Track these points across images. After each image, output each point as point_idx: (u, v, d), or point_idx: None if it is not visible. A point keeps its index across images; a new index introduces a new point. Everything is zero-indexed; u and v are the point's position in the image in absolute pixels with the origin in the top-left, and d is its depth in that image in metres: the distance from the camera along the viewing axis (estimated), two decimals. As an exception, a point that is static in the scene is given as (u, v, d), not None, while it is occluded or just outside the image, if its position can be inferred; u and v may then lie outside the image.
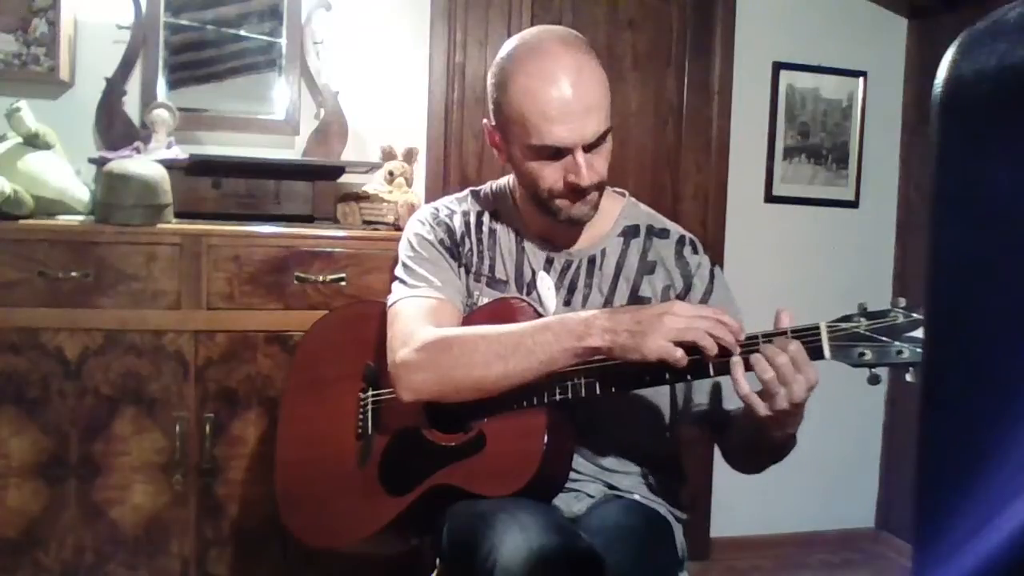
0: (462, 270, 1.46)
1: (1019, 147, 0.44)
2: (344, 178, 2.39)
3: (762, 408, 1.15)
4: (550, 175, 1.33)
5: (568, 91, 1.27)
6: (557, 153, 1.30)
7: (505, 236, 1.47)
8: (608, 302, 1.41)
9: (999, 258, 0.46)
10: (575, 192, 1.33)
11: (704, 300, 1.41)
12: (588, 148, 1.30)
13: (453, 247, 1.46)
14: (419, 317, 1.37)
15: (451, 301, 1.41)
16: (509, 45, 1.36)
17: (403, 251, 1.47)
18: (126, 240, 1.93)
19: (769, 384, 1.13)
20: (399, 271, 1.45)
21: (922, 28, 3.05)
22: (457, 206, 1.51)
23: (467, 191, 1.54)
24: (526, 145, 1.32)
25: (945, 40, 0.49)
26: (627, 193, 1.52)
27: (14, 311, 1.88)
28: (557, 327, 1.25)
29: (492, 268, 1.46)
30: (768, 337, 1.16)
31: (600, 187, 1.36)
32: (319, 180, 2.29)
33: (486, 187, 1.54)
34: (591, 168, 1.31)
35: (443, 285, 1.41)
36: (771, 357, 1.13)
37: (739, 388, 1.16)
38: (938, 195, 0.49)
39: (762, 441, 1.25)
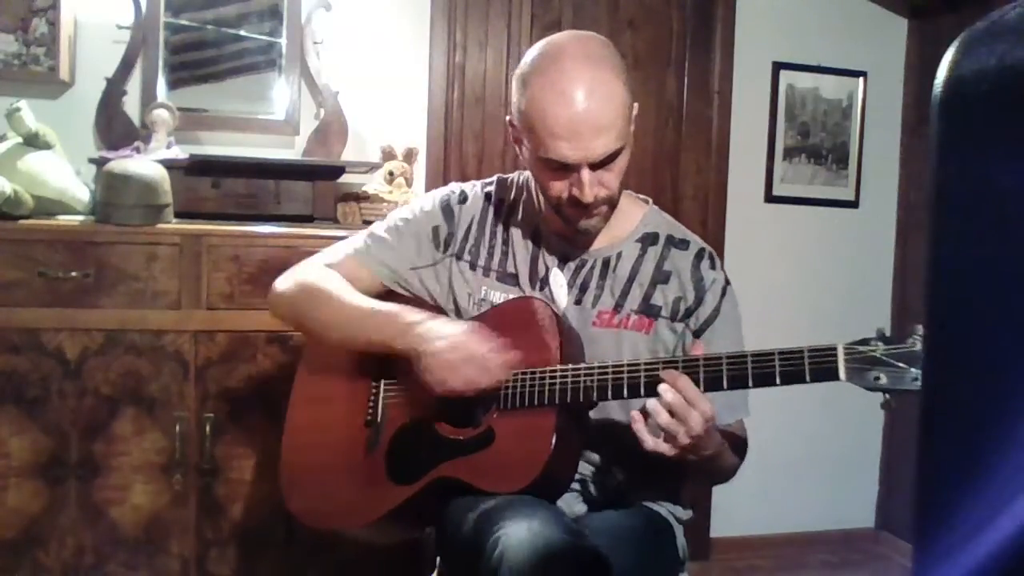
0: (450, 260, 1.47)
1: (1019, 146, 0.44)
2: (344, 178, 2.39)
3: (668, 450, 1.20)
4: (557, 186, 1.33)
5: (578, 109, 1.25)
6: (564, 167, 1.30)
7: (523, 229, 1.47)
8: (619, 306, 1.41)
9: (999, 258, 0.46)
10: (579, 206, 1.33)
11: (711, 318, 1.41)
12: (597, 165, 1.29)
13: (448, 237, 1.48)
14: (334, 262, 1.48)
15: (379, 277, 1.48)
16: (535, 49, 1.35)
17: (401, 210, 1.54)
18: (126, 240, 1.93)
19: (667, 427, 1.18)
20: (378, 222, 1.54)
21: (922, 28, 3.05)
22: (480, 190, 1.52)
23: (496, 177, 1.55)
24: (536, 155, 1.32)
25: (945, 40, 0.49)
26: (650, 200, 1.52)
27: (14, 311, 1.88)
28: (386, 319, 1.36)
29: (503, 263, 1.46)
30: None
31: (609, 201, 1.35)
32: (319, 180, 2.29)
33: (514, 175, 1.54)
34: (597, 184, 1.31)
35: (380, 264, 1.48)
36: (660, 405, 1.18)
37: (645, 444, 1.20)
38: (938, 195, 0.49)
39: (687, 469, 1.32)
